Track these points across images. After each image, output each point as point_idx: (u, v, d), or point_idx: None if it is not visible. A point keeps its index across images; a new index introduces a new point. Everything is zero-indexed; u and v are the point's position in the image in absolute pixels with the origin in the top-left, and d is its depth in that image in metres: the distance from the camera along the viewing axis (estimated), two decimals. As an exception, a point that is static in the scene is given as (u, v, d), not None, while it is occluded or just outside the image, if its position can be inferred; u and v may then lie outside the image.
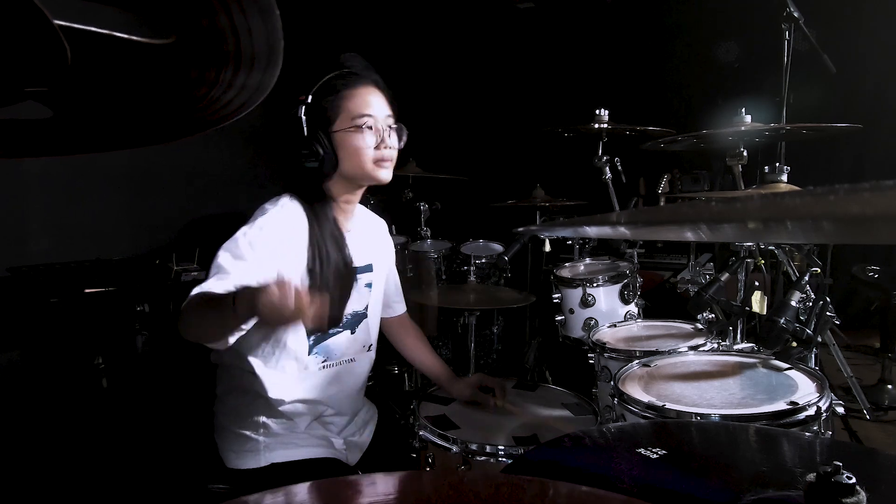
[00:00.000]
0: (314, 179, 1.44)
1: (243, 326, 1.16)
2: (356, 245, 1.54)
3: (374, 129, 1.43)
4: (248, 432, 1.46)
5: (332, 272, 1.42)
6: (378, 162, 1.44)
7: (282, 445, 1.46)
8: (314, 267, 1.40)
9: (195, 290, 1.21)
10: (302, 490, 0.62)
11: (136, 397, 2.44)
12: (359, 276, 1.55)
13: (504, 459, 1.40)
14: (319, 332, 1.46)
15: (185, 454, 1.89)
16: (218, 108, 0.49)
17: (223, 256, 1.27)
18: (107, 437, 2.23)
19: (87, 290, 2.43)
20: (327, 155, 1.39)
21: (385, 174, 1.46)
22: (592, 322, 2.22)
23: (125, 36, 0.38)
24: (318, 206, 1.45)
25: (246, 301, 1.04)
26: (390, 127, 1.46)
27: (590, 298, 2.23)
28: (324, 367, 1.50)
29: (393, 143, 1.45)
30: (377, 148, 1.43)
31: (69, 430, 2.22)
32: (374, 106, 1.43)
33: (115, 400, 2.40)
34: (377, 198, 3.46)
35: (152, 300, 2.57)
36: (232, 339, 1.21)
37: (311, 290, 1.35)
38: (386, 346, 1.89)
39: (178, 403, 2.27)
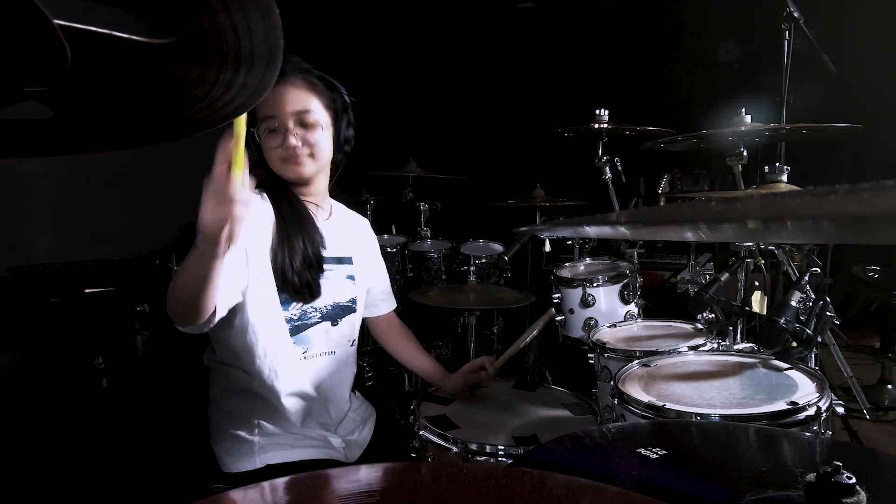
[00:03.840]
0: (272, 175, 1.51)
1: (218, 269, 1.11)
2: (332, 235, 1.56)
3: (278, 130, 1.44)
4: (242, 433, 1.46)
5: (300, 256, 1.45)
6: (284, 161, 1.45)
7: (277, 446, 1.46)
8: (279, 242, 1.43)
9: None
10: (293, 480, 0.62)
11: (136, 397, 2.44)
12: (336, 266, 1.56)
13: (504, 459, 1.40)
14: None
15: (184, 454, 1.89)
16: (218, 108, 0.49)
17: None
18: (107, 437, 2.23)
19: (87, 290, 2.44)
20: (255, 155, 1.46)
21: (293, 173, 1.47)
22: (592, 322, 2.22)
23: (125, 36, 0.38)
24: (281, 195, 1.50)
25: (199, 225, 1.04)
26: (304, 123, 1.45)
27: (590, 298, 2.22)
28: (304, 357, 1.51)
29: (295, 142, 1.43)
30: (282, 147, 1.44)
31: (69, 430, 2.22)
32: (276, 105, 1.43)
33: (115, 400, 2.40)
34: (377, 198, 3.47)
35: (152, 300, 2.57)
36: (217, 304, 1.20)
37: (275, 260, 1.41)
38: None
39: (177, 403, 2.27)
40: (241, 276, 1.35)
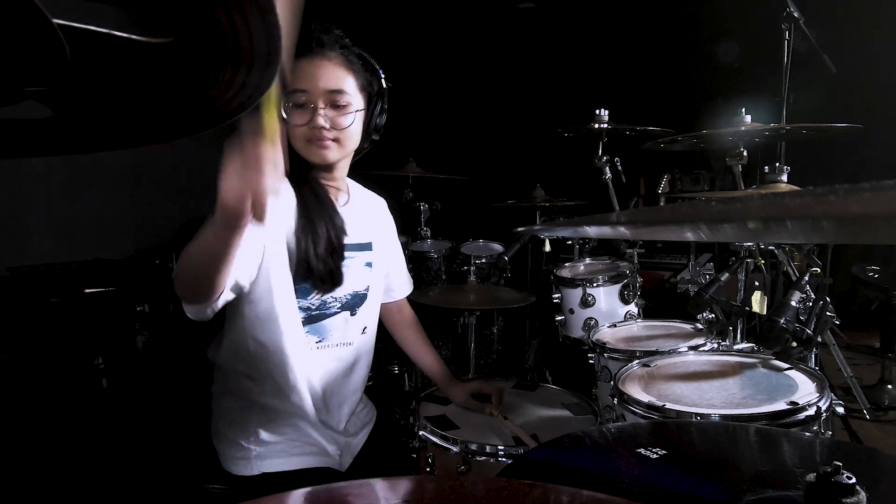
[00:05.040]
0: (292, 154, 1.40)
1: (236, 243, 0.99)
2: (352, 221, 1.48)
3: (306, 106, 1.34)
4: (240, 440, 1.43)
5: (323, 243, 1.38)
6: (309, 141, 1.35)
7: (274, 454, 1.43)
8: (301, 229, 1.35)
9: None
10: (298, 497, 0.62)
11: (136, 397, 2.44)
12: (357, 253, 1.50)
13: (504, 459, 1.40)
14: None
15: (184, 454, 1.89)
16: (218, 108, 0.49)
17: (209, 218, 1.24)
18: (107, 437, 2.23)
19: (87, 290, 2.44)
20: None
21: (318, 156, 1.37)
22: (592, 322, 2.22)
23: (125, 35, 0.38)
24: (301, 179, 1.41)
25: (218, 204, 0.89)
26: (336, 104, 1.36)
27: (590, 298, 2.23)
28: (318, 346, 1.45)
29: (323, 123, 1.33)
30: (308, 126, 1.34)
31: (69, 430, 2.22)
32: (311, 79, 1.33)
33: (115, 400, 2.40)
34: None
35: (152, 300, 2.57)
36: (227, 283, 1.12)
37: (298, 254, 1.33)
38: (386, 345, 1.88)
39: (177, 403, 2.27)
40: (258, 254, 1.26)
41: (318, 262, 1.36)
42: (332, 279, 1.40)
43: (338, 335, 1.49)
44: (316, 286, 1.39)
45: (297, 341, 1.41)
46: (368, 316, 1.57)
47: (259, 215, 0.86)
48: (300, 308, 1.41)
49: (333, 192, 1.49)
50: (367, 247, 1.54)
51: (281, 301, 1.37)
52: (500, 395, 1.65)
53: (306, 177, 1.43)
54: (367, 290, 1.54)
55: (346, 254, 1.46)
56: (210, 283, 1.08)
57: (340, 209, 1.48)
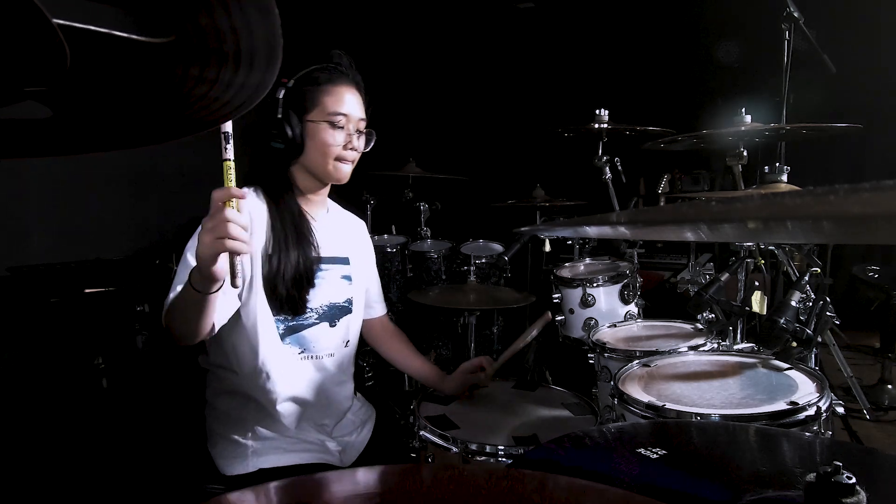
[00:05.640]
0: (278, 166, 1.51)
1: (213, 301, 1.18)
2: (327, 236, 1.56)
3: (344, 129, 1.48)
4: (237, 437, 1.45)
5: (291, 270, 1.44)
6: (339, 160, 1.49)
7: (271, 450, 1.45)
8: (273, 252, 1.43)
9: (168, 299, 1.29)
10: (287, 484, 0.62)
11: (136, 397, 2.44)
12: (332, 266, 1.56)
13: (504, 459, 1.40)
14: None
15: (183, 454, 1.89)
16: (218, 107, 0.49)
17: (186, 257, 1.34)
18: (107, 437, 2.23)
19: (87, 290, 2.44)
20: (295, 139, 1.45)
21: (343, 174, 1.52)
22: (592, 322, 2.22)
23: (125, 35, 0.38)
24: (280, 195, 1.50)
25: (196, 265, 1.10)
26: (360, 131, 1.52)
27: (590, 298, 2.22)
28: (301, 357, 1.50)
29: (358, 146, 1.52)
30: (343, 147, 1.49)
31: (69, 430, 2.21)
32: (349, 106, 1.49)
33: (115, 400, 2.40)
34: (377, 198, 3.47)
35: (152, 300, 2.57)
36: (217, 320, 1.27)
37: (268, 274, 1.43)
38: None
39: (177, 403, 2.27)
40: (235, 302, 1.37)
41: (283, 288, 1.44)
42: (294, 306, 1.47)
43: (319, 346, 1.53)
44: (280, 308, 1.46)
45: (277, 353, 1.46)
46: (351, 329, 1.62)
47: (233, 281, 1.06)
48: (277, 319, 1.46)
49: (315, 208, 1.58)
50: (344, 261, 1.60)
51: (258, 317, 1.43)
52: (487, 361, 1.71)
53: (288, 199, 1.51)
54: (349, 303, 1.60)
55: (322, 266, 1.53)
56: (197, 332, 1.23)
57: (320, 221, 1.57)
